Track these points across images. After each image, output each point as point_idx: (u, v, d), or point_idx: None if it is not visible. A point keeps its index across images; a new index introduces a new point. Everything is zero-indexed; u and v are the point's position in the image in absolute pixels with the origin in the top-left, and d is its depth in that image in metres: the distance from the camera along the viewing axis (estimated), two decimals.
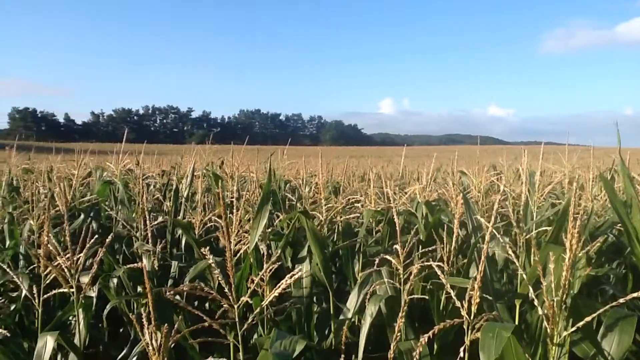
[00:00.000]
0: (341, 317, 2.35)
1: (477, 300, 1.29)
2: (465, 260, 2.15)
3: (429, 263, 1.99)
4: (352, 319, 2.36)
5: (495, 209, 1.67)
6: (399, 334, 1.51)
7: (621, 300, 1.23)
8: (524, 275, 1.65)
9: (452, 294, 1.39)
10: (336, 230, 3.21)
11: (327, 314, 2.53)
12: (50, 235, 2.04)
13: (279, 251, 2.41)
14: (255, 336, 2.52)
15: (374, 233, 3.23)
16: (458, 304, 1.35)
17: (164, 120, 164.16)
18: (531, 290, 1.36)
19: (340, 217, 3.10)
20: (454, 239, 2.15)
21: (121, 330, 3.11)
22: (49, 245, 2.04)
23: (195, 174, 4.17)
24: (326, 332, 2.53)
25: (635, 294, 1.24)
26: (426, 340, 1.29)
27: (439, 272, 1.49)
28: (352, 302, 2.32)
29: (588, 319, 1.22)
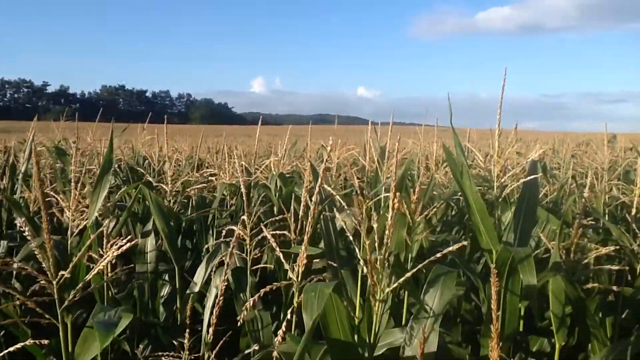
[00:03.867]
0: (188, 291, 2.28)
1: (304, 261, 1.29)
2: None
3: (273, 232, 1.98)
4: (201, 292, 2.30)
5: (343, 177, 1.68)
6: (248, 304, 1.48)
7: (438, 255, 1.29)
8: (364, 239, 1.68)
9: (282, 257, 1.38)
10: (191, 205, 3.13)
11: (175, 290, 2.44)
12: None
13: (120, 226, 2.28)
14: None
15: (228, 206, 3.17)
16: (287, 266, 1.35)
17: (15, 95, 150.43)
18: (368, 252, 1.38)
19: (194, 190, 3.02)
20: (301, 209, 2.16)
21: None
22: None
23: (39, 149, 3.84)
24: (174, 308, 2.45)
25: (451, 248, 1.31)
26: (257, 298, 1.29)
27: (270, 238, 1.47)
28: (199, 275, 2.25)
29: (408, 274, 1.26)
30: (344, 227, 2.47)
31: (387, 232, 1.24)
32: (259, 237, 1.99)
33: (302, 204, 2.18)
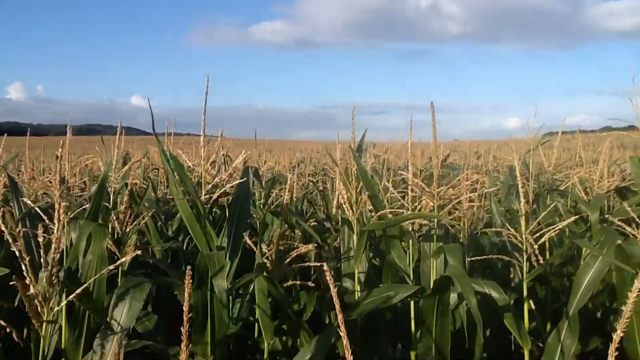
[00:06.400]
0: None
1: None
2: None
3: None
4: None
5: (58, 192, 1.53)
6: None
7: (111, 267, 1.25)
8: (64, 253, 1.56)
9: None
10: None
11: None
12: None
13: None
14: None
15: None
16: None
17: None
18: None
19: None
20: None
21: None
22: None
23: None
24: None
25: (126, 257, 1.27)
26: None
27: None
28: None
29: (79, 290, 1.19)
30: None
31: (53, 245, 1.16)
32: None
33: None
